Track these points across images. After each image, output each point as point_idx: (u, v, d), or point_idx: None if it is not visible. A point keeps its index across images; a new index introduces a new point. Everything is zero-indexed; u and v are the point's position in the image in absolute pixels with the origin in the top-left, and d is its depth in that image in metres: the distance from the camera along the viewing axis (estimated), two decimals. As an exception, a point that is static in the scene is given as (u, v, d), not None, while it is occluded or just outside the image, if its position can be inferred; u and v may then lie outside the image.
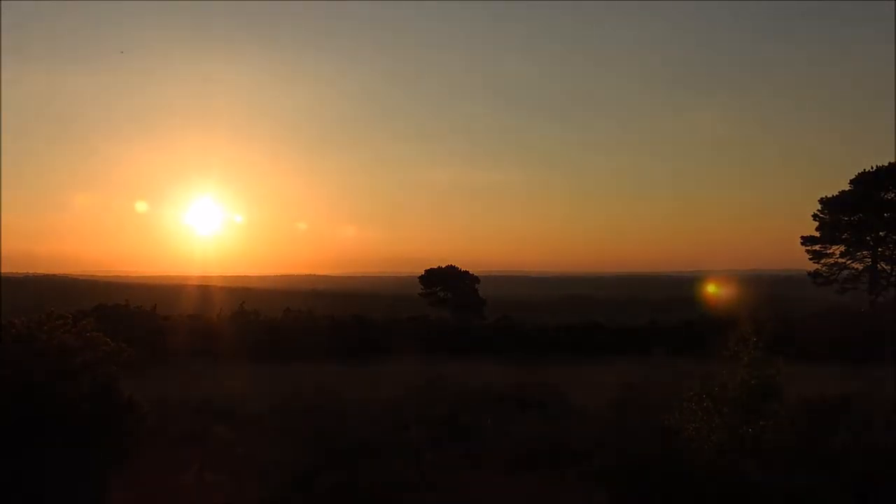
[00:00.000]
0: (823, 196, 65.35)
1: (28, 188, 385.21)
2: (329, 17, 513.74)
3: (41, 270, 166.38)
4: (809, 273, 67.63)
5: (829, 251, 66.23)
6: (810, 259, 67.01)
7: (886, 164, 62.79)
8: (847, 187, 63.95)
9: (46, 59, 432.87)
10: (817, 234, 66.04)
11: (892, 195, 62.90)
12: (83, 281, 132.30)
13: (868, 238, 64.04)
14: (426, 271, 74.38)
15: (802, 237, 66.74)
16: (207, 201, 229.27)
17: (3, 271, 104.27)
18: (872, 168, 63.17)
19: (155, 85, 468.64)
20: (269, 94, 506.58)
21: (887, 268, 64.07)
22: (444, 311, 68.88)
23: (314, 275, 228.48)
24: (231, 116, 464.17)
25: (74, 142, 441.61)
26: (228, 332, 44.81)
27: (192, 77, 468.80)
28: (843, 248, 65.64)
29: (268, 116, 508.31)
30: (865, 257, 65.06)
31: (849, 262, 65.83)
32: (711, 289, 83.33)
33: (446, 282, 72.93)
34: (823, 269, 66.56)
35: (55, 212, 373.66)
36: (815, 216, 65.91)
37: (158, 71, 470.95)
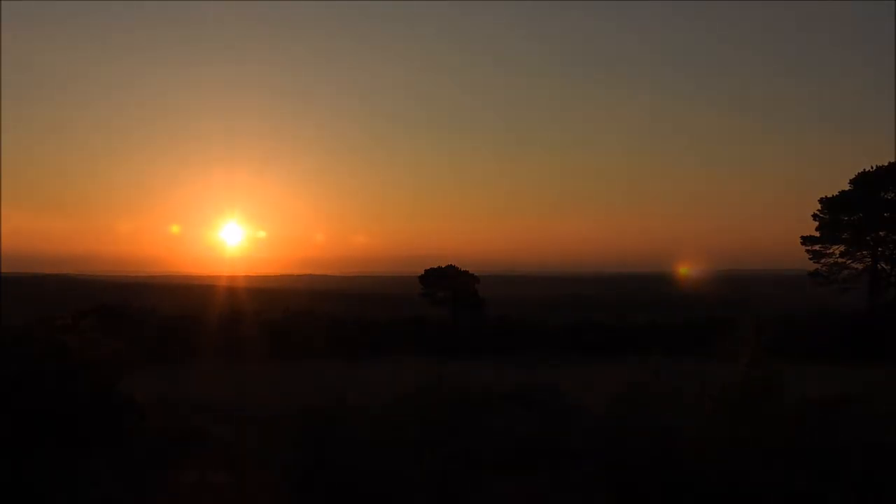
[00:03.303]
0: (823, 196, 65.46)
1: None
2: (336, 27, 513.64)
3: (41, 270, 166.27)
4: (809, 273, 67.65)
5: (829, 251, 66.31)
6: (810, 259, 67.07)
7: (886, 164, 62.87)
8: (847, 187, 63.99)
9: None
10: (817, 234, 66.09)
11: (892, 195, 62.94)
12: (84, 280, 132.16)
13: (868, 238, 64.09)
14: (426, 271, 74.40)
15: (802, 237, 66.76)
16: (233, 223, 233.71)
17: (3, 271, 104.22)
18: (872, 168, 63.23)
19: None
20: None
21: (887, 268, 64.09)
22: (444, 311, 68.89)
23: (313, 275, 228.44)
24: (252, 118, 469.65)
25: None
26: (229, 331, 44.84)
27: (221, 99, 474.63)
28: (843, 248, 65.71)
29: (275, 119, 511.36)
30: (865, 257, 65.12)
31: (849, 262, 65.89)
32: (683, 270, 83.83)
33: (446, 281, 72.98)
34: (823, 269, 66.62)
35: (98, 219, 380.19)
36: (815, 216, 65.95)
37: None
